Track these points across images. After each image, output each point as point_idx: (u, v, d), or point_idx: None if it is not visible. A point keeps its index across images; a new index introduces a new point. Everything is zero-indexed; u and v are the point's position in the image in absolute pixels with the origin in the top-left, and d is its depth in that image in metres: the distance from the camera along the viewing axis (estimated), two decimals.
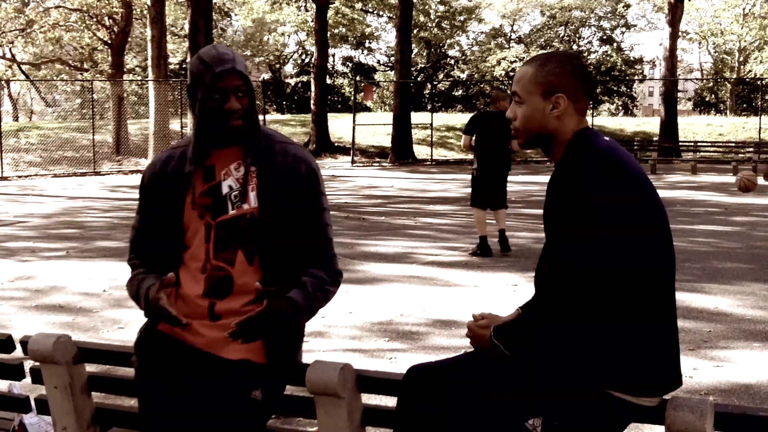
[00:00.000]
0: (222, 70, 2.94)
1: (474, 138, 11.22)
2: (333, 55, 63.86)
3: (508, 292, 8.77)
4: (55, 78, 48.07)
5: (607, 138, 2.76)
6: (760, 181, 17.51)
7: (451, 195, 13.76)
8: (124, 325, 7.52)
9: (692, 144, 32.34)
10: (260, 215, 3.02)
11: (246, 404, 2.88)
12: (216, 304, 3.01)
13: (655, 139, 35.69)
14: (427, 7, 57.12)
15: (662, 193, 3.76)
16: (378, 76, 64.25)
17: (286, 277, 3.02)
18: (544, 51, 51.13)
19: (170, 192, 3.10)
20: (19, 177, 27.64)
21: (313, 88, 38.66)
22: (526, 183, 23.32)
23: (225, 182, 3.06)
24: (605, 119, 48.57)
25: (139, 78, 50.27)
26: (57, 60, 44.01)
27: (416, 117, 37.21)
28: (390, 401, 3.13)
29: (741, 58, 62.59)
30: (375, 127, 37.89)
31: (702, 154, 31.24)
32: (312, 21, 43.00)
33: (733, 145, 31.59)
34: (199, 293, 3.02)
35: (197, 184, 3.07)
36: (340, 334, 7.17)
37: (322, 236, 3.13)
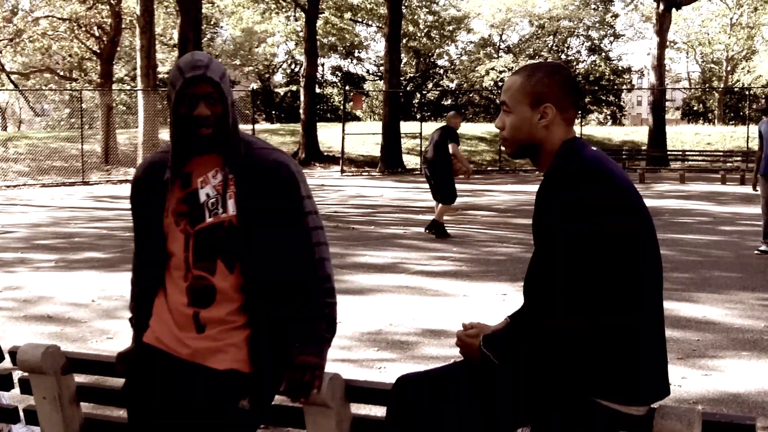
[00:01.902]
0: (192, 76, 2.92)
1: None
2: (322, 65, 64.02)
3: (498, 302, 8.77)
4: (43, 87, 47.98)
5: (594, 148, 2.78)
6: (748, 191, 17.50)
7: None
8: (113, 336, 7.50)
9: (680, 153, 32.46)
10: (239, 223, 3.00)
11: (234, 414, 2.87)
12: (200, 313, 3.00)
13: (643, 148, 35.86)
14: (416, 17, 57.17)
15: (651, 203, 3.78)
16: (367, 86, 64.30)
17: (269, 283, 3.01)
18: (532, 61, 51.05)
19: (152, 198, 3.10)
20: (8, 187, 27.55)
21: (302, 97, 38.66)
22: (515, 192, 23.37)
23: (202, 190, 3.04)
24: (593, 128, 48.68)
25: (128, 87, 50.21)
26: (46, 69, 43.91)
27: (405, 126, 37.24)
28: (379, 411, 3.13)
29: (729, 68, 62.90)
30: (364, 136, 37.91)
31: (690, 163, 31.35)
32: (301, 31, 43.04)
33: (721, 154, 31.67)
34: (184, 302, 3.02)
35: (174, 191, 3.07)
36: None
37: (306, 240, 3.06)
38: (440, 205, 13.92)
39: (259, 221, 3.00)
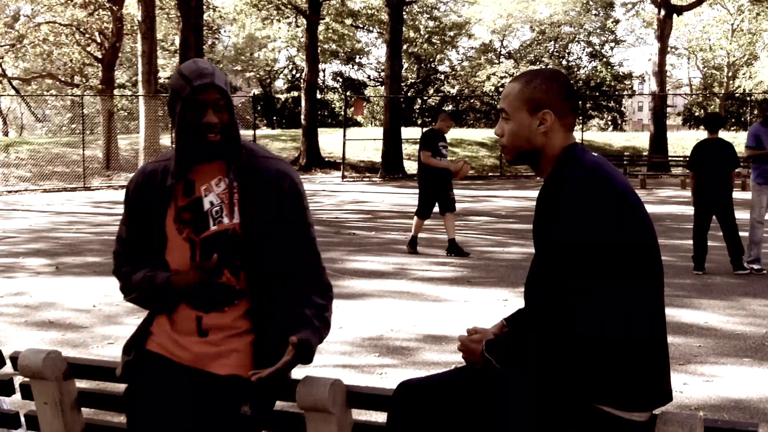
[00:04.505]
0: (200, 83, 2.94)
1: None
2: (323, 71, 64.01)
3: (498, 307, 8.77)
4: (45, 93, 47.99)
5: (594, 153, 2.78)
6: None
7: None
8: (114, 341, 7.50)
9: (682, 159, 32.41)
10: (242, 230, 3.02)
11: (235, 419, 2.87)
12: (203, 318, 3.00)
13: (644, 153, 35.84)
14: (417, 22, 57.22)
15: (652, 208, 3.78)
16: (368, 91, 64.33)
17: (272, 291, 3.03)
18: (533, 67, 50.70)
19: (152, 205, 3.11)
20: (9, 192, 27.56)
21: (303, 103, 38.69)
22: (516, 198, 23.36)
23: (206, 198, 3.06)
24: (594, 134, 48.66)
25: (130, 93, 50.23)
26: (47, 75, 43.94)
27: (406, 132, 37.20)
28: (380, 417, 3.13)
29: (730, 73, 62.86)
30: (365, 142, 37.92)
31: None
32: (302, 36, 43.07)
33: None
34: (186, 307, 3.02)
35: (177, 199, 3.08)
36: (330, 349, 7.15)
37: (309, 250, 3.14)
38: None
39: (263, 229, 3.03)
